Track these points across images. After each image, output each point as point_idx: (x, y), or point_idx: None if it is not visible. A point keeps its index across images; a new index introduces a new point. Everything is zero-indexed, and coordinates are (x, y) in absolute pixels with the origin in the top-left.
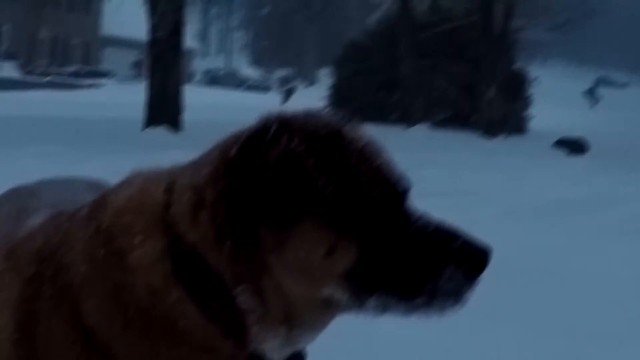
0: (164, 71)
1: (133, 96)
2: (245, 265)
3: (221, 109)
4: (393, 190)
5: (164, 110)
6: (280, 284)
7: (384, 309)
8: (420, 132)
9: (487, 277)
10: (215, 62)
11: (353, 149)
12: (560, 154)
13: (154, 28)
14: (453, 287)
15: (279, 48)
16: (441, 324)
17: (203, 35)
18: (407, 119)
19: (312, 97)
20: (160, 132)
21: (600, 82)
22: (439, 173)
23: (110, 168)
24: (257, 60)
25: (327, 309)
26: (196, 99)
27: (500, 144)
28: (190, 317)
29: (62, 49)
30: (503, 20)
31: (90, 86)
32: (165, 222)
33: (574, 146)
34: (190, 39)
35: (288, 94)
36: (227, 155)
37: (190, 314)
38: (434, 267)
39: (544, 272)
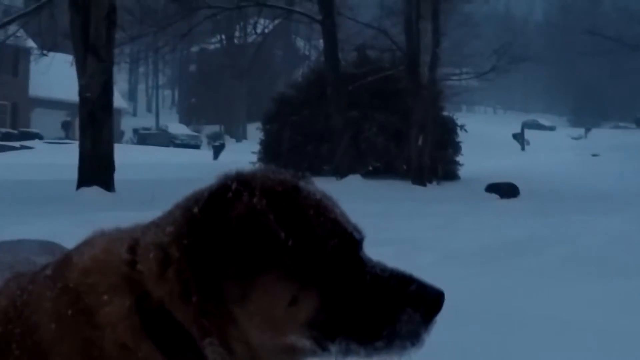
0: (95, 131)
1: (64, 157)
2: (211, 319)
3: (152, 167)
4: (350, 240)
5: (96, 170)
6: (245, 335)
7: (346, 353)
8: (352, 182)
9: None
10: (144, 121)
11: (309, 203)
12: (493, 198)
13: (84, 88)
14: (411, 329)
15: (207, 105)
16: None
17: (131, 94)
18: (339, 170)
19: (242, 153)
20: (93, 192)
21: (528, 126)
22: (375, 222)
23: (47, 230)
24: (186, 117)
25: (291, 356)
26: (126, 158)
27: (433, 191)
28: None
29: None
30: (429, 70)
31: (21, 148)
32: (131, 280)
33: (505, 190)
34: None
35: (218, 150)
36: (190, 214)
37: None
38: (391, 311)
39: (487, 315)
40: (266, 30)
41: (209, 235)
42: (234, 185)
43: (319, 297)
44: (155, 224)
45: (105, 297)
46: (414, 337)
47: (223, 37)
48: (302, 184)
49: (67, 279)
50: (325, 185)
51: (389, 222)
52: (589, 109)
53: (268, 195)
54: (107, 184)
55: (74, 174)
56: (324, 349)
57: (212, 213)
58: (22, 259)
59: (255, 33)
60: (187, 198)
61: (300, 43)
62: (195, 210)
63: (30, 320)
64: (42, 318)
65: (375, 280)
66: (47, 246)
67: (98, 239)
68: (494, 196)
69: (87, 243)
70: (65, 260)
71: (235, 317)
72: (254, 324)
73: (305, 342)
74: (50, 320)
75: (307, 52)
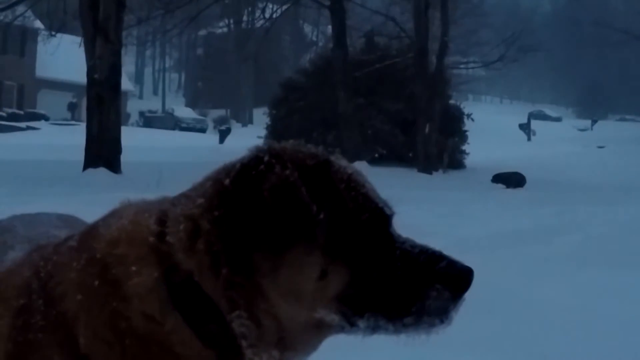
0: (103, 112)
1: (70, 138)
2: (240, 291)
3: (158, 150)
4: (380, 215)
5: (103, 151)
6: (274, 309)
7: (374, 329)
8: (358, 169)
9: None
10: (150, 103)
11: (341, 177)
12: (499, 187)
13: (92, 70)
14: (440, 306)
15: (213, 89)
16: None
17: (138, 77)
18: (344, 157)
19: (248, 138)
20: (100, 174)
21: (534, 116)
22: None
23: (54, 209)
24: (192, 101)
25: (319, 331)
26: (133, 140)
27: (439, 179)
28: (187, 343)
29: None
30: (437, 58)
31: (27, 129)
32: (159, 252)
33: (511, 180)
34: (125, 81)
35: (224, 134)
36: (221, 185)
37: (186, 340)
38: (421, 287)
39: (495, 304)
40: (274, 15)
41: (241, 207)
42: (266, 158)
43: (349, 272)
44: (186, 196)
45: (133, 268)
46: (443, 314)
47: (231, 21)
48: (333, 158)
49: (94, 250)
50: None
51: (396, 209)
52: (596, 101)
53: (300, 168)
54: (114, 166)
55: (80, 155)
56: (353, 324)
57: (244, 184)
58: (41, 232)
59: (263, 18)
60: (218, 170)
61: (308, 29)
62: (227, 181)
63: (55, 291)
64: (67, 289)
65: (405, 256)
66: (66, 219)
67: (125, 210)
68: (500, 185)
69: (114, 214)
70: (92, 231)
71: (265, 291)
72: (283, 297)
73: (334, 317)
74: (77, 291)
75: (314, 38)
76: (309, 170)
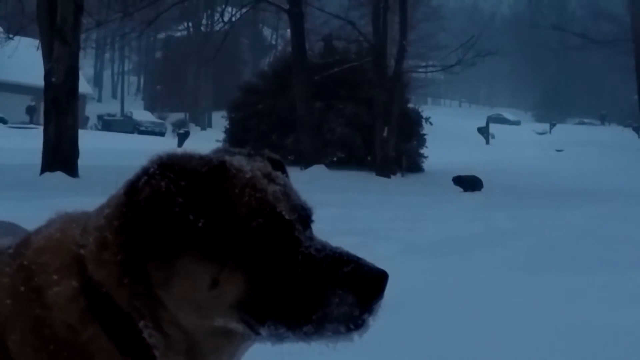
0: (60, 116)
1: (29, 142)
2: (143, 302)
3: (116, 153)
4: (277, 219)
5: (60, 155)
6: (175, 318)
7: (276, 337)
8: (317, 172)
9: (387, 312)
10: (109, 107)
11: (235, 183)
12: (457, 191)
13: (49, 73)
14: (345, 312)
15: (172, 92)
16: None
17: (97, 80)
18: (303, 160)
19: (207, 141)
20: (57, 178)
21: (493, 120)
22: (337, 213)
23: (9, 215)
24: (151, 104)
25: (229, 339)
26: (91, 144)
27: (397, 183)
28: (106, 353)
29: None
30: (396, 62)
31: None
32: (82, 262)
33: (469, 183)
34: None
35: (183, 138)
36: (120, 197)
37: (105, 349)
38: (321, 293)
39: (445, 308)
40: (233, 19)
41: (130, 219)
42: (151, 169)
43: (245, 279)
44: (100, 207)
45: (55, 277)
46: (350, 321)
47: (190, 24)
48: (232, 162)
49: (23, 257)
50: (289, 175)
51: (351, 212)
52: (554, 105)
53: (187, 176)
54: (71, 170)
55: (37, 159)
56: (256, 332)
57: (130, 197)
58: None
59: (222, 21)
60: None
61: (267, 32)
62: (122, 192)
63: None
64: (0, 293)
65: (307, 260)
66: (8, 227)
67: (57, 220)
68: (458, 189)
69: (47, 223)
70: (25, 239)
71: (163, 300)
72: (180, 307)
73: (236, 325)
74: (7, 296)
75: (273, 42)
76: (196, 178)
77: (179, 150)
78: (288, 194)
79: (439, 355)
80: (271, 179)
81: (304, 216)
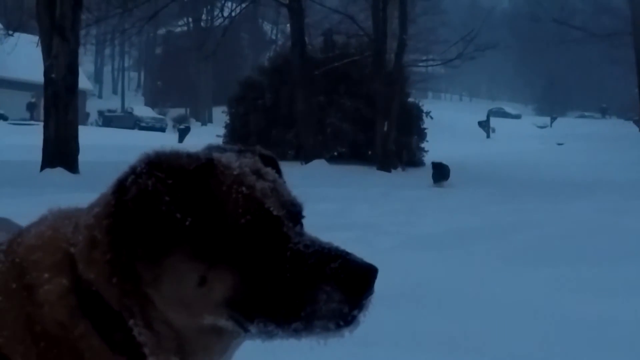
0: (60, 112)
1: (28, 138)
2: (132, 300)
3: (117, 149)
4: (265, 216)
5: (60, 151)
6: (165, 316)
7: (265, 334)
8: (317, 167)
9: (386, 306)
10: (109, 103)
11: (223, 180)
12: (456, 185)
13: (49, 69)
14: (333, 309)
15: (172, 88)
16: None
17: (97, 76)
18: (303, 155)
19: (207, 136)
20: (57, 174)
21: (494, 114)
22: (337, 207)
23: (9, 211)
24: (152, 100)
25: (220, 336)
26: (91, 140)
27: (397, 177)
28: (97, 351)
29: None
30: (396, 56)
31: None
32: (73, 260)
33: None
34: (84, 80)
35: (183, 133)
36: (107, 195)
37: (96, 347)
38: (307, 289)
39: (444, 301)
40: (233, 14)
41: (118, 218)
42: (139, 168)
43: (233, 277)
44: (91, 204)
45: (46, 275)
46: (338, 318)
47: (190, 20)
48: (221, 159)
49: (15, 254)
50: (289, 170)
51: (352, 206)
52: (555, 98)
53: (174, 174)
54: (71, 166)
55: (38, 156)
56: (246, 330)
57: (117, 196)
58: None
59: (222, 16)
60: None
61: (267, 27)
62: (110, 191)
63: None
64: None
65: (296, 257)
66: (1, 223)
67: (50, 217)
68: (458, 182)
69: (39, 220)
70: (17, 235)
71: (152, 299)
72: (168, 305)
73: (225, 323)
74: None
75: (274, 37)
76: (185, 176)
77: (168, 148)
78: (277, 190)
79: (438, 347)
80: (260, 175)
81: (294, 212)
